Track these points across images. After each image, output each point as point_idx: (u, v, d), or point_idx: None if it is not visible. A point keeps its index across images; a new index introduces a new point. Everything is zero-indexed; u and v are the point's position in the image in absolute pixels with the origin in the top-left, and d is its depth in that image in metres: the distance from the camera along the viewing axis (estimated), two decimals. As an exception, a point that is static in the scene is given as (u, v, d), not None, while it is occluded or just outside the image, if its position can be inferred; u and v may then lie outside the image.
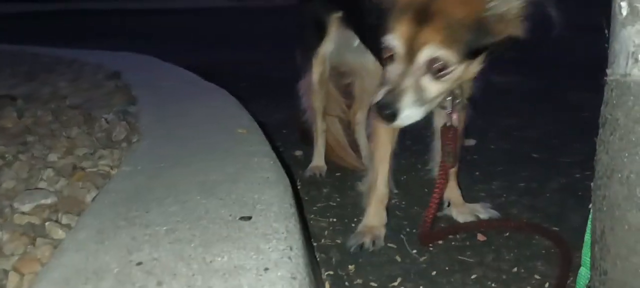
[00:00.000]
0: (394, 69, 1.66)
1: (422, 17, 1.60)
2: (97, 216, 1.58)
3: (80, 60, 5.23)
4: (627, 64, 0.95)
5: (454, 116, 1.94)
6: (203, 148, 2.21)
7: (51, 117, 3.00)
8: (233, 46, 7.48)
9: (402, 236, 2.10)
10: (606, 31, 1.16)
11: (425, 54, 1.61)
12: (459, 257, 1.93)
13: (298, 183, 2.62)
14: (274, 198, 1.66)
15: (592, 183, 1.17)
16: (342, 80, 2.71)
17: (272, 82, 4.78)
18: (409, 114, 1.65)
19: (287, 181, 1.89)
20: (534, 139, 3.20)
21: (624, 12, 0.94)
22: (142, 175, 1.90)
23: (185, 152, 2.17)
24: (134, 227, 1.48)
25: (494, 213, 2.19)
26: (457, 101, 1.90)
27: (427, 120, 2.19)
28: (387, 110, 1.63)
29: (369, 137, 2.19)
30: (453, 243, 2.03)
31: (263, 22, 9.89)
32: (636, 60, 0.94)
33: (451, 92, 1.84)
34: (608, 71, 1.00)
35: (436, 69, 1.62)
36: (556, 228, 2.09)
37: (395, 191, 2.36)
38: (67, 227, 1.67)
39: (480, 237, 2.05)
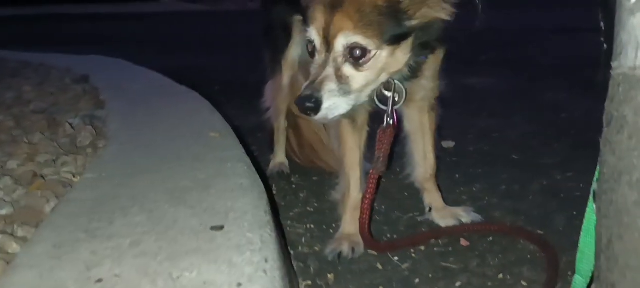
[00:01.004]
0: (315, 61, 1.63)
1: (335, 4, 1.57)
2: (55, 228, 1.46)
3: (48, 64, 5.06)
4: (636, 55, 0.87)
5: (394, 116, 1.85)
6: (173, 153, 2.10)
7: (13, 122, 2.85)
8: (206, 50, 7.35)
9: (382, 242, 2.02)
10: (601, 24, 1.08)
11: (340, 41, 1.58)
12: (443, 263, 1.86)
13: (273, 189, 2.52)
14: (248, 205, 1.56)
15: (594, 188, 1.08)
16: None
17: (246, 85, 4.65)
18: (332, 104, 1.59)
19: (262, 187, 1.79)
20: (513, 139, 3.15)
21: (633, -1, 0.86)
22: (107, 183, 1.79)
23: (154, 157, 2.06)
24: (95, 240, 1.37)
25: (476, 217, 2.12)
26: (397, 99, 1.83)
27: (402, 120, 2.13)
28: (308, 103, 1.58)
29: (336, 143, 2.12)
30: (436, 249, 1.95)
31: (236, 25, 9.76)
32: (647, 51, 0.87)
33: (387, 88, 1.79)
34: (614, 64, 0.92)
35: (356, 57, 1.58)
36: (541, 232, 2.02)
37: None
38: (23, 240, 1.54)
39: (464, 242, 1.98)
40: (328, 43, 1.59)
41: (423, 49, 1.70)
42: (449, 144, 3.02)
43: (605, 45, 1.10)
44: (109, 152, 2.17)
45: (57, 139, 2.53)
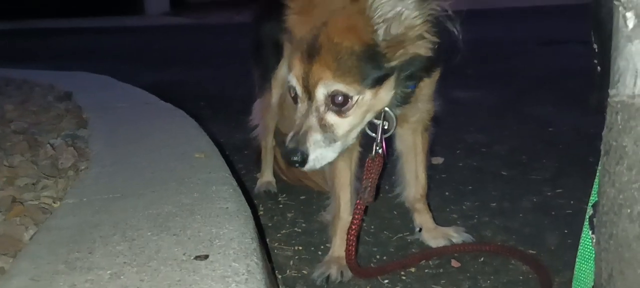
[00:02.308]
0: (299, 110, 1.60)
1: (312, 53, 1.53)
2: (33, 259, 1.40)
3: (31, 81, 4.97)
4: (635, 83, 0.84)
5: (382, 144, 1.80)
6: (157, 176, 2.05)
7: (-7, 143, 2.78)
8: (193, 64, 7.29)
9: (372, 265, 1.98)
10: (594, 46, 1.05)
11: (320, 91, 1.54)
12: (433, 285, 1.82)
13: (260, 209, 2.48)
14: (233, 232, 1.52)
15: (589, 213, 1.05)
16: None
17: (232, 100, 4.63)
18: (319, 155, 1.57)
19: (248, 211, 1.74)
20: (502, 155, 3.13)
21: (631, 24, 0.82)
22: (88, 209, 1.73)
23: (137, 180, 2.01)
24: (74, 271, 1.32)
25: (467, 237, 2.09)
26: (387, 128, 1.77)
27: (393, 139, 2.09)
28: (294, 156, 1.55)
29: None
30: (426, 270, 1.92)
31: (223, 39, 9.71)
32: (646, 78, 0.83)
33: (376, 121, 1.74)
34: (611, 92, 0.89)
35: (338, 104, 1.55)
36: (533, 251, 1.99)
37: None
38: (1, 271, 1.48)
39: (455, 263, 1.95)
40: (309, 91, 1.56)
41: (409, 80, 1.66)
42: (438, 160, 2.99)
43: (598, 68, 1.07)
44: (90, 175, 2.11)
45: (37, 160, 2.46)
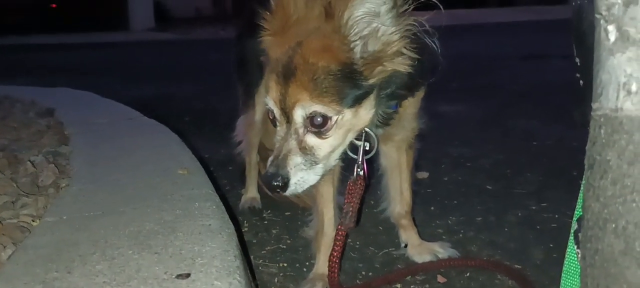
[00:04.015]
0: (278, 133, 1.56)
1: (287, 74, 1.50)
2: (10, 279, 1.37)
3: (13, 97, 4.90)
4: (617, 96, 0.84)
5: (363, 166, 1.76)
6: (139, 193, 2.02)
7: (-29, 161, 2.73)
8: (177, 79, 7.26)
9: (357, 281, 1.96)
10: (577, 59, 1.05)
11: (298, 113, 1.51)
12: (419, 302, 1.80)
13: (245, 225, 2.45)
14: (216, 249, 1.49)
15: (574, 228, 1.04)
16: None
17: (217, 114, 4.61)
18: (301, 179, 1.53)
19: (231, 227, 1.72)
20: (486, 168, 3.14)
21: (612, 38, 0.82)
22: (67, 227, 1.70)
23: (118, 198, 1.97)
24: (51, 292, 1.28)
25: (453, 252, 2.08)
26: (368, 149, 1.74)
27: (377, 156, 2.08)
28: (274, 181, 1.51)
29: None
30: (412, 286, 1.90)
31: (207, 54, 9.69)
32: (628, 92, 0.83)
33: (357, 142, 1.70)
34: (594, 105, 0.88)
35: (317, 125, 1.51)
36: (518, 266, 1.99)
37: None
38: (-24, 293, 1.44)
39: (441, 279, 1.93)
40: (287, 114, 1.53)
41: (391, 99, 1.63)
42: (423, 175, 2.99)
43: (581, 82, 1.07)
44: (70, 193, 2.08)
45: (17, 178, 2.42)
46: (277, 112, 1.54)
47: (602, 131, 0.86)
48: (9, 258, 1.58)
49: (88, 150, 2.78)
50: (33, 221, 1.93)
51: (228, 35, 9.74)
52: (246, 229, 2.41)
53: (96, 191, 2.07)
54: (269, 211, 2.60)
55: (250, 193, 2.69)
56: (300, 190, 1.54)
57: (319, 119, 1.50)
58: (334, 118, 1.51)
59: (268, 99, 1.55)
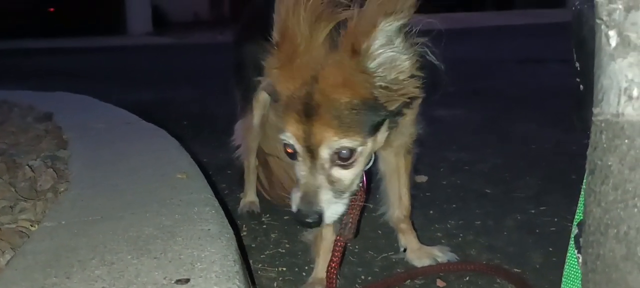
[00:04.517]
0: (300, 169, 1.56)
1: (309, 113, 1.48)
2: (8, 285, 1.37)
3: (10, 101, 4.89)
4: (618, 101, 0.84)
5: (363, 179, 1.74)
6: (138, 197, 2.01)
7: (-31, 166, 2.72)
8: (175, 83, 7.26)
9: (356, 285, 1.96)
10: (577, 64, 1.05)
11: (325, 151, 1.51)
12: (419, 306, 1.80)
13: (244, 230, 2.45)
14: (215, 254, 1.49)
15: (575, 233, 1.04)
16: None
17: (215, 119, 4.61)
18: (333, 211, 1.56)
19: (230, 232, 1.72)
20: (485, 172, 3.14)
21: (613, 43, 0.83)
22: (66, 232, 1.69)
23: (117, 202, 1.97)
24: (50, 298, 1.28)
25: (452, 256, 2.08)
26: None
27: (376, 161, 2.08)
28: (309, 218, 1.53)
29: None
30: (412, 291, 1.90)
31: (205, 58, 9.70)
32: (630, 97, 0.83)
33: None
34: (595, 110, 0.88)
35: (344, 158, 1.53)
36: (518, 270, 1.99)
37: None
38: (-26, 298, 1.44)
39: (440, 283, 1.93)
40: (311, 151, 1.52)
41: (398, 116, 1.64)
42: (421, 179, 2.99)
43: (581, 87, 1.07)
44: (69, 197, 2.07)
45: (15, 183, 2.41)
46: (299, 149, 1.53)
47: (603, 136, 0.86)
48: (7, 263, 1.58)
49: (86, 154, 2.78)
50: (31, 226, 1.93)
51: (226, 39, 9.74)
52: (245, 233, 2.41)
53: (95, 196, 2.07)
54: (268, 215, 2.60)
55: (249, 197, 2.68)
56: (332, 221, 1.58)
57: (345, 153, 1.51)
58: (359, 149, 1.53)
59: (288, 135, 1.53)
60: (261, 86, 1.69)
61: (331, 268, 1.74)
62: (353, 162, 1.54)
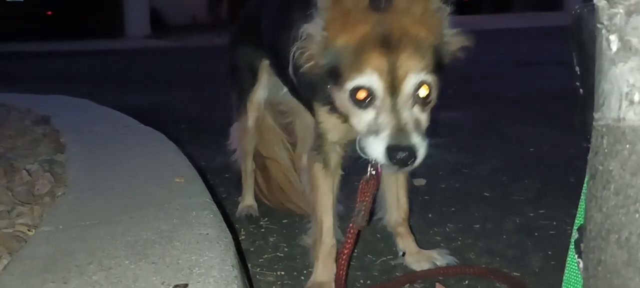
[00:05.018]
0: (380, 107, 1.48)
1: (391, 44, 1.46)
2: (5, 291, 1.35)
3: (8, 104, 4.88)
4: (620, 106, 0.83)
5: (377, 165, 1.70)
6: (135, 202, 2.00)
7: (-33, 170, 2.71)
8: (173, 86, 7.26)
9: (356, 289, 1.95)
10: (576, 68, 1.05)
11: (410, 83, 1.46)
12: (418, 310, 1.80)
13: (242, 233, 2.44)
14: (213, 259, 1.48)
15: (575, 237, 1.03)
16: (282, 119, 2.60)
17: (213, 122, 4.59)
18: (424, 150, 1.47)
19: (229, 237, 1.71)
20: (484, 175, 3.14)
21: (614, 47, 0.82)
22: (63, 237, 1.69)
23: (115, 206, 1.96)
24: (47, 303, 1.27)
25: (451, 260, 2.07)
26: None
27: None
28: (402, 153, 1.42)
29: (308, 186, 2.04)
30: (411, 294, 1.90)
31: (203, 61, 9.69)
32: (631, 102, 0.83)
33: None
34: (596, 115, 0.88)
35: (423, 96, 1.49)
36: (517, 274, 1.98)
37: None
38: (-29, 304, 1.43)
39: (439, 286, 1.92)
40: (394, 86, 1.46)
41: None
42: (420, 182, 2.98)
43: (581, 90, 1.07)
44: (66, 201, 2.06)
45: (13, 187, 2.40)
46: (380, 85, 1.47)
47: (605, 141, 0.86)
48: (4, 268, 1.57)
49: (84, 158, 2.77)
50: (29, 230, 1.92)
51: (224, 42, 9.72)
52: (243, 237, 2.40)
53: (92, 200, 2.06)
54: (266, 219, 2.60)
55: (247, 201, 2.67)
56: (417, 164, 1.49)
57: (424, 90, 1.48)
58: (434, 90, 1.51)
59: (368, 73, 1.46)
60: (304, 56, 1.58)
61: (343, 256, 1.71)
62: (429, 102, 1.51)
